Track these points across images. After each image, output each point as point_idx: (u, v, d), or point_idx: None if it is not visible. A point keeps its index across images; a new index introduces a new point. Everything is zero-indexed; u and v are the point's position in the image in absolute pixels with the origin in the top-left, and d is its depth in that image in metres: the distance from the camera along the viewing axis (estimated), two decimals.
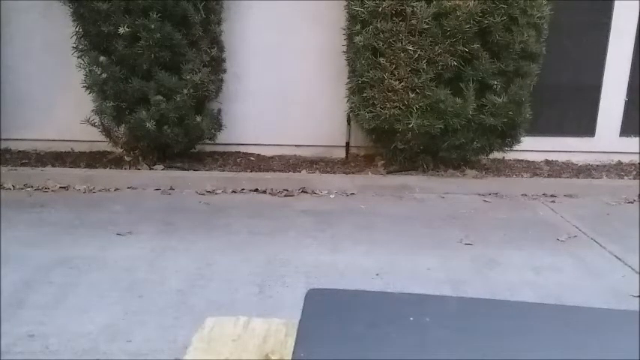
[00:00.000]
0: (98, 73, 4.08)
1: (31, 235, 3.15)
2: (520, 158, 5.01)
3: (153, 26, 3.91)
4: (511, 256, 2.95)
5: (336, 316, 0.84)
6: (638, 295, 2.52)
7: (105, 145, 4.70)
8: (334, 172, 4.56)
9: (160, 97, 4.09)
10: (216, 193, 4.11)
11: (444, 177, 4.41)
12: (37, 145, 4.97)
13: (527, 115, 4.22)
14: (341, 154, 5.04)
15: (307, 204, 3.92)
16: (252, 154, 5.00)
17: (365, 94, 4.13)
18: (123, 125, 4.24)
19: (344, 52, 4.45)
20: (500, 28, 3.87)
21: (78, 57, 4.17)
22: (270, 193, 4.12)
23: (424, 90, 3.97)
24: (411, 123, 4.00)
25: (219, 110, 4.73)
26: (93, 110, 4.29)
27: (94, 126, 4.37)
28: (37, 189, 4.10)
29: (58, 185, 4.13)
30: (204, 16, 4.21)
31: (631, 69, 4.93)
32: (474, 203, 3.99)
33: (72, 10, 4.06)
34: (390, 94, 4.04)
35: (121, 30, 3.90)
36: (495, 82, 4.02)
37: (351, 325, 0.82)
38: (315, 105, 4.95)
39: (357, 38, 4.01)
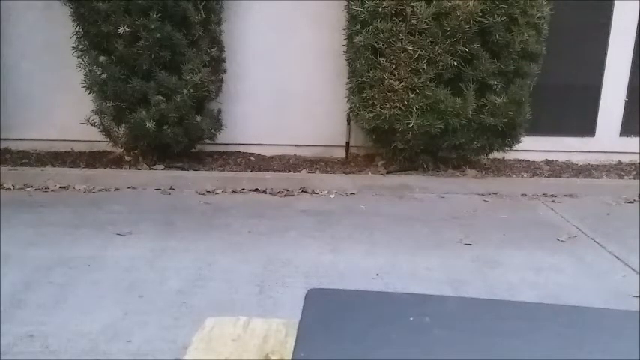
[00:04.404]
0: (98, 73, 4.09)
1: (31, 235, 3.15)
2: (520, 158, 5.02)
3: (153, 26, 3.91)
4: (511, 256, 2.95)
5: (336, 316, 0.84)
6: (638, 295, 2.52)
7: (105, 145, 4.70)
8: (334, 172, 4.56)
9: (160, 97, 4.09)
10: (216, 193, 4.11)
11: (444, 177, 4.41)
12: (37, 145, 4.97)
13: (527, 115, 4.23)
14: (341, 154, 5.04)
15: (307, 204, 3.92)
16: (252, 154, 5.00)
17: (365, 94, 4.13)
18: (123, 125, 4.24)
19: (344, 52, 4.45)
20: (501, 28, 3.87)
21: (78, 57, 4.18)
22: (270, 193, 4.12)
23: (424, 90, 3.97)
24: (411, 123, 4.00)
25: (219, 110, 4.73)
26: (93, 110, 4.29)
27: (94, 126, 4.37)
28: (37, 189, 4.09)
29: (58, 185, 4.13)
30: (204, 16, 4.21)
31: (631, 69, 4.93)
32: (474, 203, 3.99)
33: (72, 10, 4.06)
34: (390, 94, 4.04)
35: (121, 30, 3.90)
36: (495, 82, 4.02)
37: (351, 325, 0.82)
38: (315, 105, 4.95)
39: (357, 38, 4.01)
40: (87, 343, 2.03)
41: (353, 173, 4.52)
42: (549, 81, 4.61)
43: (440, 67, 3.96)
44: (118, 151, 4.56)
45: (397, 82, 3.99)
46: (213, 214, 3.63)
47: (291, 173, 4.51)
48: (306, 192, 4.16)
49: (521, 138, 4.39)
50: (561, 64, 4.80)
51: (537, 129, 4.70)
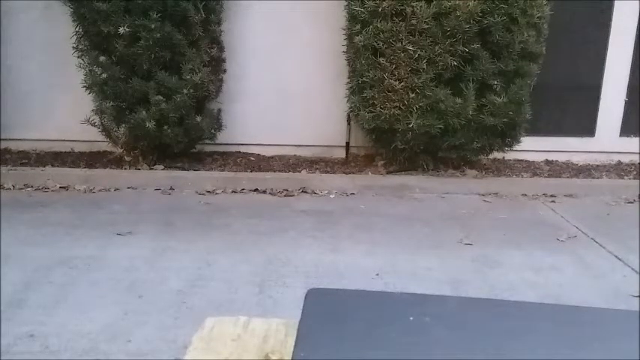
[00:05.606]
0: (98, 73, 4.09)
1: (31, 235, 3.15)
2: (520, 158, 5.01)
3: (153, 26, 3.91)
4: (511, 256, 2.95)
5: (336, 316, 0.84)
6: (638, 295, 2.52)
7: (105, 145, 4.70)
8: (334, 172, 4.56)
9: (160, 97, 4.09)
10: (216, 193, 4.11)
11: (444, 177, 4.41)
12: (37, 145, 4.97)
13: (527, 115, 4.22)
14: (341, 154, 5.04)
15: (307, 204, 3.92)
16: (252, 154, 5.00)
17: (365, 94, 4.13)
18: (123, 125, 4.24)
19: (344, 52, 4.45)
20: (500, 28, 3.87)
21: (78, 57, 4.18)
22: (270, 193, 4.12)
23: (424, 90, 3.97)
24: (411, 123, 4.00)
25: (219, 110, 4.73)
26: (93, 110, 4.29)
27: (94, 126, 4.38)
28: (37, 189, 4.10)
29: (58, 185, 4.13)
30: (204, 16, 4.21)
31: (631, 69, 4.93)
32: (474, 203, 3.99)
33: (72, 10, 4.06)
34: (390, 94, 4.04)
35: (121, 30, 3.90)
36: (495, 82, 4.02)
37: (351, 325, 0.82)
38: (315, 105, 4.95)
39: (357, 38, 4.01)
40: (87, 343, 2.03)
41: (353, 173, 4.52)
42: (549, 81, 4.61)
43: (440, 67, 3.96)
44: (118, 151, 4.56)
45: (397, 82, 3.99)
46: (213, 214, 3.63)
47: (291, 173, 4.51)
48: (306, 192, 4.17)
49: (521, 138, 4.39)
50: (561, 64, 4.80)
51: (537, 129, 4.70)
